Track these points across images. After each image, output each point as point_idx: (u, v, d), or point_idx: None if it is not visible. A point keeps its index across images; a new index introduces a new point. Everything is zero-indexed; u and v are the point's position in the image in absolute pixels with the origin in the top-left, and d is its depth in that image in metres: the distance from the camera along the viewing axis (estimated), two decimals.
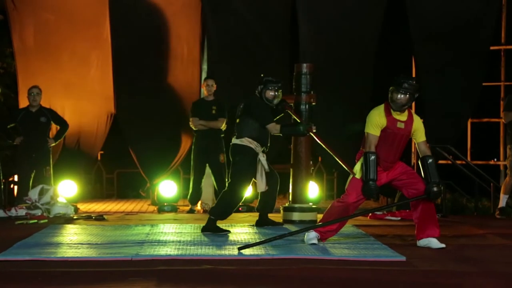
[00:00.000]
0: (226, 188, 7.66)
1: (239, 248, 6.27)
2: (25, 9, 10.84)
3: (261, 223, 8.06)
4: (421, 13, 10.72)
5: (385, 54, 11.09)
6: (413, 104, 10.42)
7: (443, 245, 6.60)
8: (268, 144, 7.72)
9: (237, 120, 7.73)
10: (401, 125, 6.60)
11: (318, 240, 6.68)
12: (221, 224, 7.59)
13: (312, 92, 8.68)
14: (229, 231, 7.52)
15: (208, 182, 10.00)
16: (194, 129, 9.77)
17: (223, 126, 9.71)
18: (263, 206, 8.04)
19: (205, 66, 10.85)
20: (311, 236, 6.68)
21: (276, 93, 7.72)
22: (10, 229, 8.07)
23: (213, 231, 7.41)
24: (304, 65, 8.79)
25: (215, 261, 5.79)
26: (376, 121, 6.58)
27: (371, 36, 10.73)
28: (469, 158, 11.25)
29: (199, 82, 10.70)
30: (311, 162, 8.91)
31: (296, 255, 6.07)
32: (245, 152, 7.56)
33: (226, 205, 7.50)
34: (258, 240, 6.70)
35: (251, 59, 10.70)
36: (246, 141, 7.56)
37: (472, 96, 10.79)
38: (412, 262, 5.87)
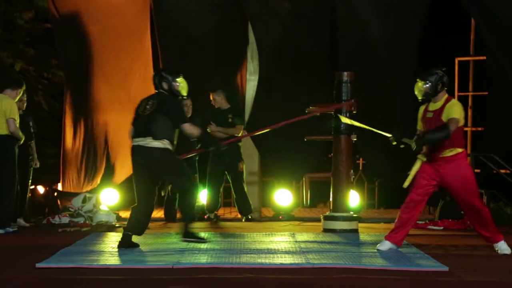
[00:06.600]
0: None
1: None
2: (69, 20, 10.92)
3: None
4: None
5: (426, 58, 10.91)
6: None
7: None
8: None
9: (143, 117, 7.00)
10: (430, 114, 6.70)
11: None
12: (261, 233, 7.55)
13: (352, 100, 8.62)
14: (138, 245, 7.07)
15: (252, 190, 9.94)
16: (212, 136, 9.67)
17: (241, 133, 9.66)
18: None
19: (254, 77, 10.81)
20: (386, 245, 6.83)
21: (183, 83, 7.16)
22: (53, 236, 8.19)
23: (128, 246, 6.96)
24: (345, 73, 8.69)
25: (256, 270, 5.78)
26: (418, 116, 6.85)
27: (413, 39, 10.54)
28: None
29: (245, 87, 10.70)
30: (351, 171, 8.83)
31: (337, 264, 6.03)
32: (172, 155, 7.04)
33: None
34: (298, 249, 6.69)
35: (292, 67, 10.67)
36: (167, 144, 6.98)
37: None
38: (455, 272, 5.79)
